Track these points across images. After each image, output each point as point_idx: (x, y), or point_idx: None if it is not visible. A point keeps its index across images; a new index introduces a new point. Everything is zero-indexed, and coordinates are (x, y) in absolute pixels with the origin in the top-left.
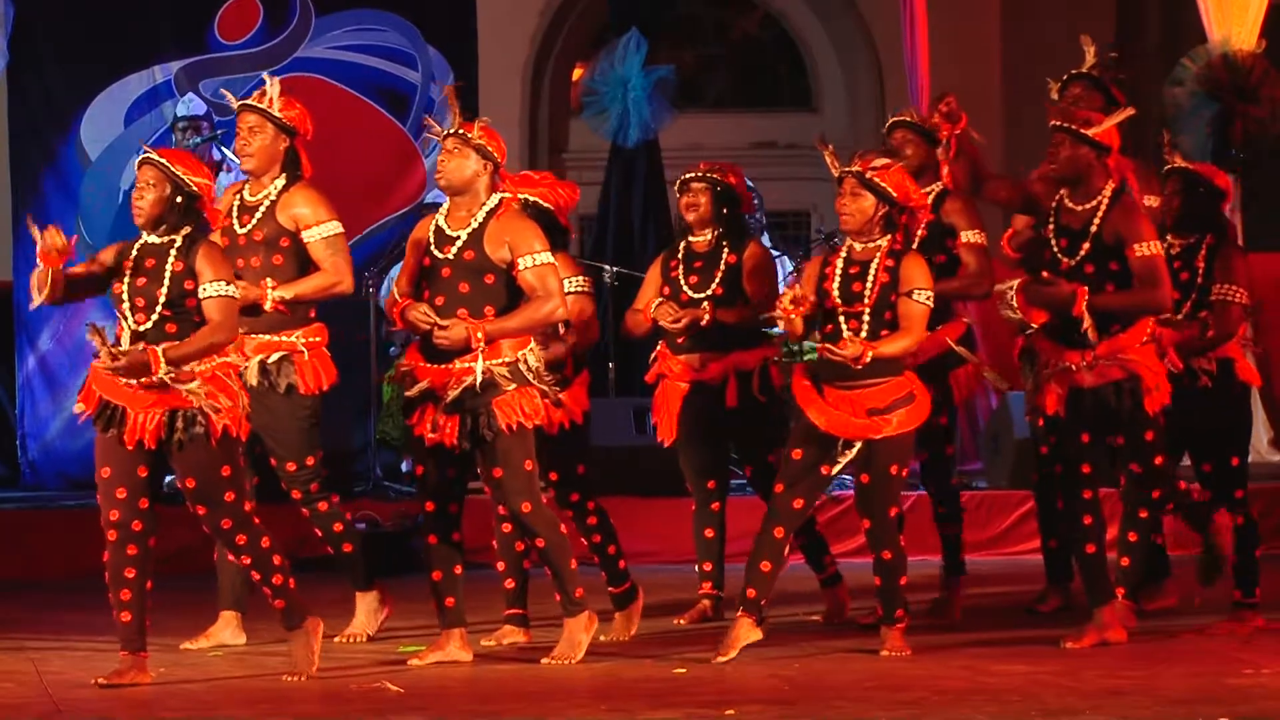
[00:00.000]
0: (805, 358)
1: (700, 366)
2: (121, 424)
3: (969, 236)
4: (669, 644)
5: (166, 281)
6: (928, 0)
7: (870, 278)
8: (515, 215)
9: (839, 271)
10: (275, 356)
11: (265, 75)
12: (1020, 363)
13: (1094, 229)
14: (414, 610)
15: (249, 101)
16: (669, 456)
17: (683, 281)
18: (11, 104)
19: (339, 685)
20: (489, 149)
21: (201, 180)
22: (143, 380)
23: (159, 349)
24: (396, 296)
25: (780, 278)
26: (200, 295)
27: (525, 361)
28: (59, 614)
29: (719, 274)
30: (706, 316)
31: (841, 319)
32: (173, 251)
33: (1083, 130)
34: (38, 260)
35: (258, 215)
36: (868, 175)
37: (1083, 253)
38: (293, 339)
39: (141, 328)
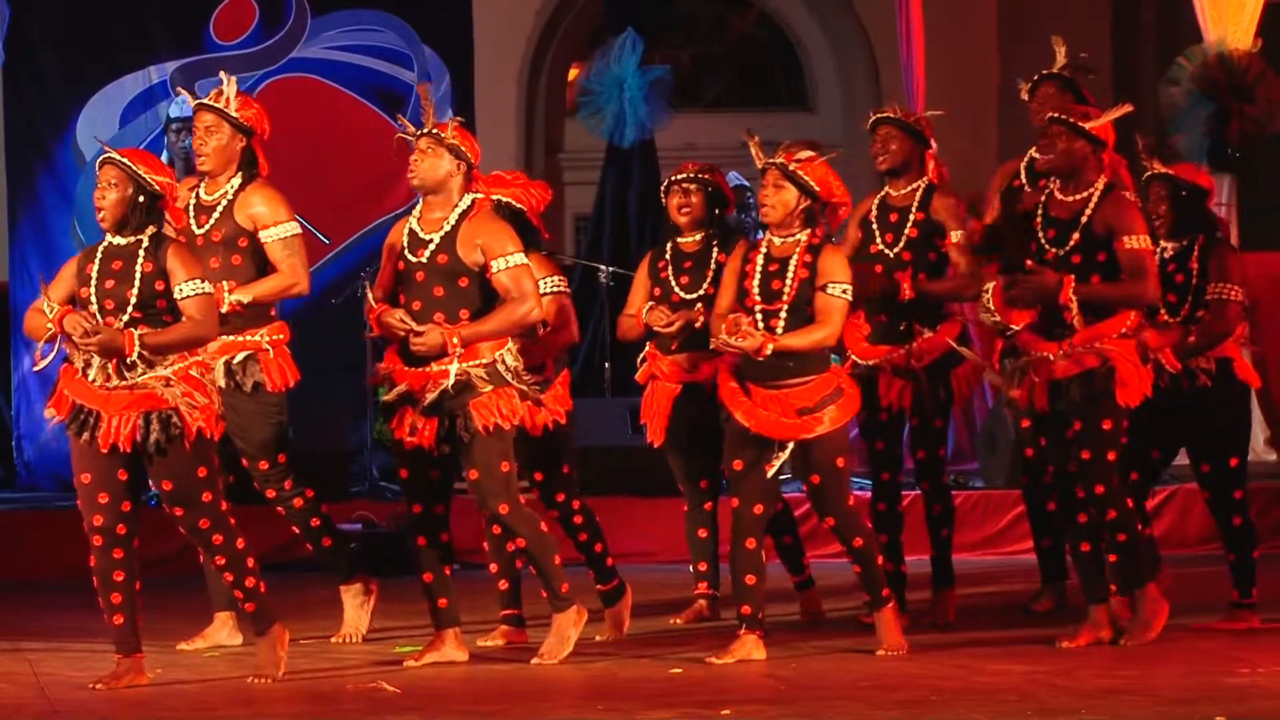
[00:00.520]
0: None
1: (691, 367)
2: (95, 428)
3: (959, 237)
4: (666, 644)
5: (136, 282)
6: (923, 0)
7: (789, 274)
8: (488, 216)
9: (759, 269)
10: (240, 356)
11: (222, 74)
12: (1000, 365)
13: (1084, 219)
14: (410, 611)
15: (205, 101)
16: (664, 456)
17: (673, 282)
18: (7, 104)
19: (336, 686)
20: (462, 149)
21: (163, 179)
22: (116, 385)
23: (135, 332)
24: (372, 302)
25: None
26: (177, 296)
27: (503, 362)
28: (55, 615)
29: (709, 274)
30: (700, 319)
31: (760, 317)
32: (140, 252)
33: (1080, 123)
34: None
35: (215, 215)
36: (791, 167)
37: (1071, 243)
38: (256, 338)
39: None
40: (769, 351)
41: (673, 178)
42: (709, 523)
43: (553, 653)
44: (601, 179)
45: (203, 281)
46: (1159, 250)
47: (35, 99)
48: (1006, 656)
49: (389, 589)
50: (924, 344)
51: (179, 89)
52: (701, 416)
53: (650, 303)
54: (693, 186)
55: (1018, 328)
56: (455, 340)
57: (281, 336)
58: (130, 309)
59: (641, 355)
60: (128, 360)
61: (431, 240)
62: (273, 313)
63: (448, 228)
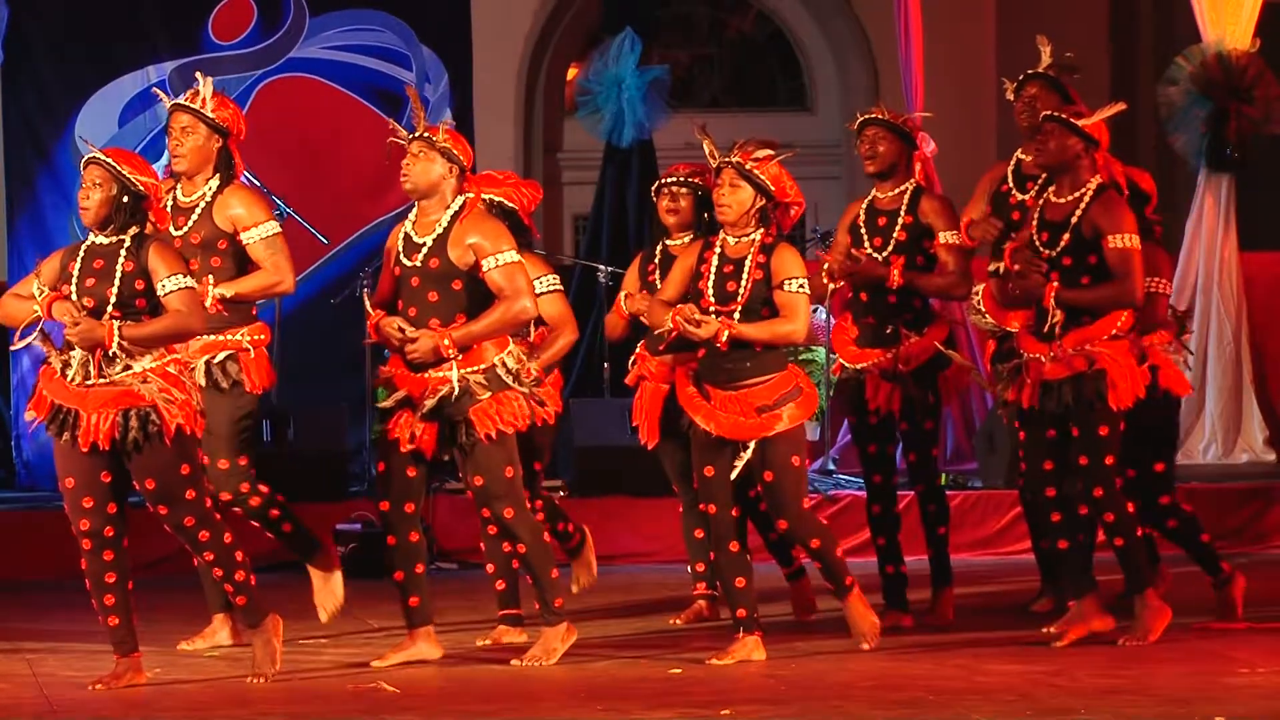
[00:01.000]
0: (800, 357)
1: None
2: (75, 428)
3: (948, 238)
4: (665, 644)
5: (117, 281)
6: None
7: (744, 275)
8: (479, 216)
9: (713, 269)
10: (221, 355)
11: (197, 74)
12: (992, 367)
13: (1074, 221)
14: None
15: (181, 101)
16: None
17: (660, 284)
18: (6, 104)
19: (335, 685)
20: (454, 152)
21: (148, 180)
22: (94, 383)
23: (116, 324)
24: (369, 310)
25: None
26: (161, 292)
27: (504, 365)
28: (54, 614)
29: None
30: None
31: (714, 317)
32: (122, 251)
33: (1073, 121)
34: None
35: (194, 217)
36: (748, 166)
37: (1062, 244)
38: (237, 337)
39: None
40: (725, 338)
41: (662, 180)
42: (705, 522)
43: (535, 659)
44: (600, 179)
45: (185, 276)
46: None
47: (34, 99)
48: (1006, 656)
49: (389, 589)
50: (910, 347)
51: (157, 91)
52: None
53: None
54: (682, 190)
55: (1009, 329)
56: (447, 343)
57: (263, 338)
58: (110, 308)
59: (631, 357)
60: (107, 354)
61: (424, 244)
62: (254, 313)
63: (439, 230)
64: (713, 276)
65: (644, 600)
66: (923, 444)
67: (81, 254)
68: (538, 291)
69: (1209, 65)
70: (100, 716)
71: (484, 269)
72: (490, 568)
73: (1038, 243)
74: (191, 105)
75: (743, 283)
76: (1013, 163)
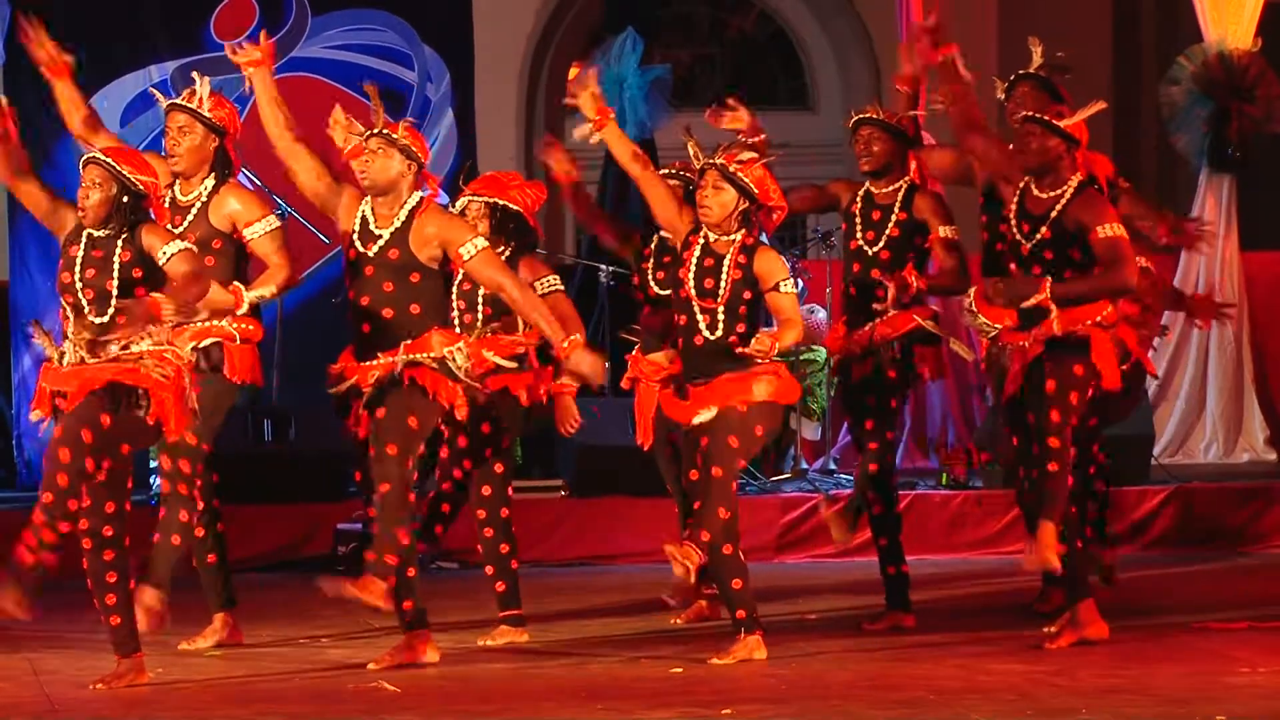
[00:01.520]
0: (801, 357)
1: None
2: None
3: (946, 232)
4: (666, 644)
5: (115, 273)
6: None
7: (724, 273)
8: (437, 211)
9: (694, 261)
10: (207, 341)
11: (195, 74)
12: (986, 369)
13: (1054, 214)
14: None
15: (178, 101)
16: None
17: (650, 275)
18: (8, 102)
19: (335, 685)
20: (413, 150)
21: (148, 179)
22: (88, 362)
23: (160, 297)
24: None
25: None
26: (162, 260)
27: (453, 358)
28: (55, 613)
29: None
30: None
31: (697, 312)
32: (119, 243)
33: (1054, 121)
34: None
35: (190, 217)
36: (731, 169)
37: (1040, 237)
38: (223, 324)
39: (97, 319)
40: (775, 353)
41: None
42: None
43: (343, 589)
44: (602, 178)
45: (179, 240)
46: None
47: (35, 98)
48: (1006, 656)
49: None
50: (888, 322)
51: (153, 91)
52: None
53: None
54: (674, 184)
55: (1001, 327)
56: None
57: (252, 327)
58: (114, 300)
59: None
60: (97, 341)
61: (382, 236)
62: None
63: (399, 223)
64: (693, 268)
65: (644, 600)
66: (883, 421)
67: (84, 240)
68: (541, 293)
69: (1211, 65)
70: (101, 716)
71: (463, 259)
72: (489, 569)
73: (1017, 234)
74: (188, 105)
75: (722, 280)
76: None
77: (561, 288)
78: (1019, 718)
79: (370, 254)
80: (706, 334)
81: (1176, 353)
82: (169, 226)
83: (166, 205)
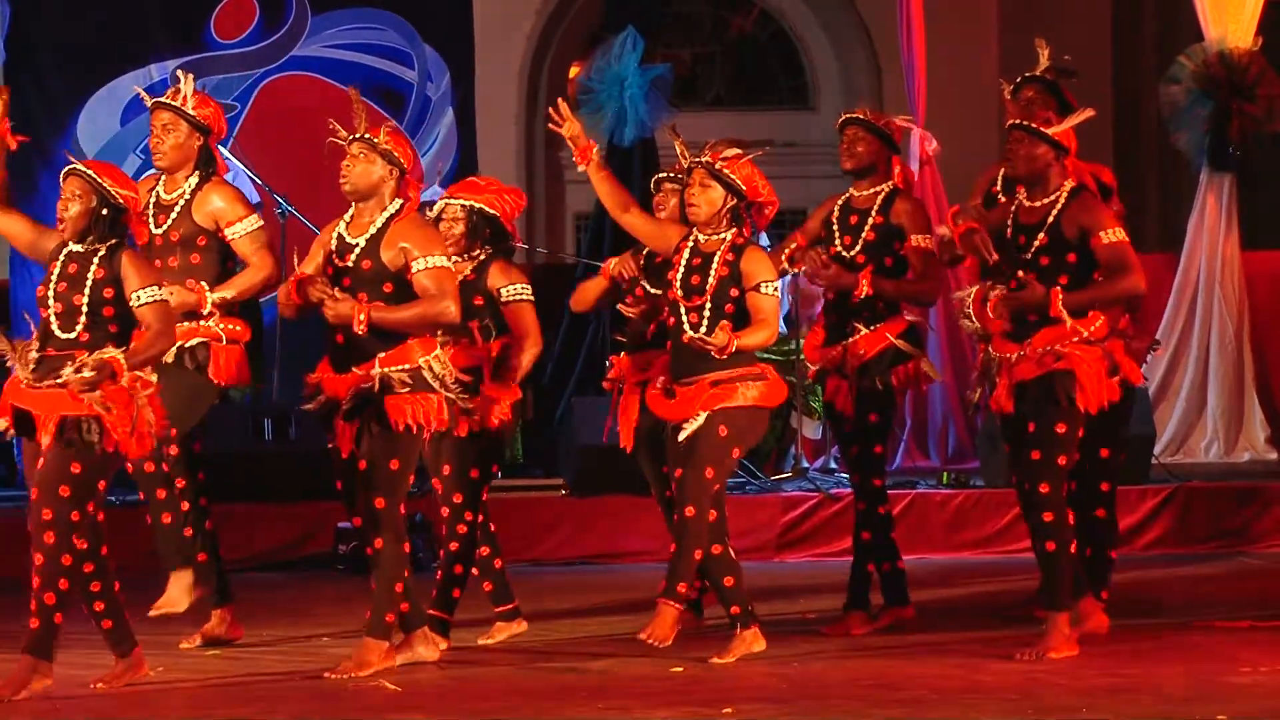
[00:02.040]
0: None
1: (644, 367)
2: (34, 429)
3: (918, 240)
4: None
5: (87, 290)
6: None
7: (711, 272)
8: (413, 221)
9: (683, 262)
10: (193, 341)
11: (179, 72)
12: (980, 370)
13: (1050, 220)
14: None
15: (162, 99)
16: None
17: (641, 276)
18: (9, 102)
19: (337, 684)
20: (395, 155)
21: (128, 193)
22: (47, 384)
23: (119, 354)
24: (296, 267)
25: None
26: (134, 303)
27: (430, 367)
28: None
29: None
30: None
31: (682, 310)
32: (95, 259)
33: (1041, 129)
34: None
35: (174, 215)
36: (717, 166)
37: (1038, 244)
38: (210, 324)
39: (62, 334)
40: (733, 349)
41: (656, 176)
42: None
43: (345, 672)
44: None
45: (159, 288)
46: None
47: (36, 98)
48: (1008, 655)
49: None
50: (860, 342)
51: (138, 90)
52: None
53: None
54: (671, 186)
55: (996, 334)
56: (361, 317)
57: (239, 328)
58: (82, 317)
59: (608, 361)
60: (46, 360)
61: (357, 245)
62: (234, 309)
63: (373, 231)
64: (682, 269)
65: (645, 599)
66: (865, 438)
67: (62, 256)
68: (504, 299)
69: (1211, 64)
70: (101, 715)
71: (413, 270)
72: (474, 571)
73: (1014, 247)
74: (172, 103)
75: (709, 277)
76: (1004, 165)
77: (527, 297)
78: (1020, 717)
79: (346, 265)
80: (691, 332)
81: (1177, 352)
82: (153, 225)
83: (151, 205)
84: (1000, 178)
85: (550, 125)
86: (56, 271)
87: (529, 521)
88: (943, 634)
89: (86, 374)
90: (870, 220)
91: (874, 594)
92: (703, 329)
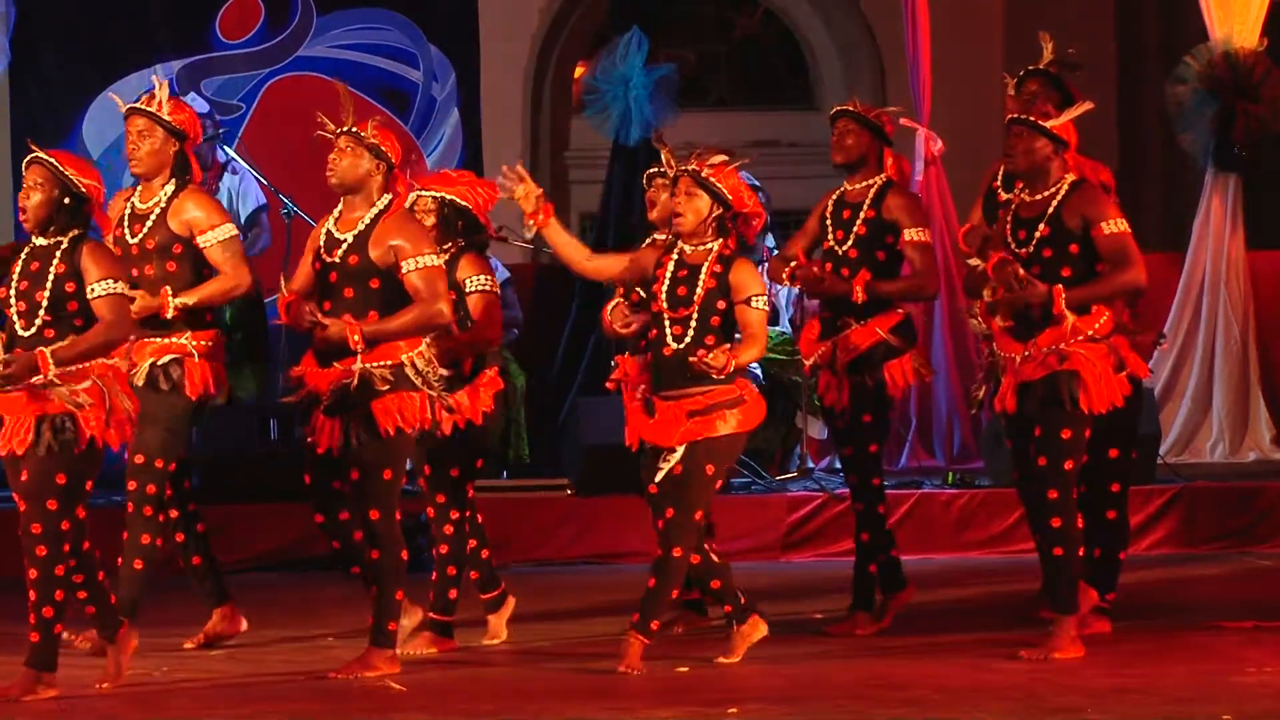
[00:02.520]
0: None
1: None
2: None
3: (913, 235)
4: (671, 643)
5: (49, 285)
6: None
7: (699, 282)
8: (403, 217)
9: (669, 274)
10: (166, 359)
11: (154, 78)
12: (985, 370)
13: (1051, 211)
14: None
15: (137, 105)
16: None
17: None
18: (13, 103)
19: (342, 684)
20: (383, 149)
21: (91, 182)
22: (31, 382)
23: (47, 350)
24: (283, 290)
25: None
26: (89, 296)
27: (413, 365)
28: None
29: None
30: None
31: (666, 323)
32: (57, 254)
33: (1040, 123)
34: None
35: (149, 223)
36: (704, 174)
37: (1039, 235)
38: (183, 340)
39: (24, 333)
40: (732, 368)
41: (648, 171)
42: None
43: (348, 673)
44: (607, 177)
45: (115, 281)
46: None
47: (40, 99)
48: (1012, 655)
49: None
50: (850, 336)
51: (112, 96)
52: None
53: (617, 300)
54: (662, 183)
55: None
56: (356, 337)
57: (211, 343)
58: (42, 312)
59: (613, 360)
60: (45, 380)
61: (345, 240)
62: (208, 318)
63: (362, 227)
64: (668, 281)
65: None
66: (859, 438)
67: (24, 255)
68: (467, 290)
69: (1216, 64)
70: (106, 715)
71: (403, 270)
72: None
73: (1012, 243)
74: (147, 109)
75: (696, 289)
76: (1004, 162)
77: (489, 289)
78: (1025, 717)
79: (333, 261)
80: (674, 344)
81: (1182, 352)
82: (128, 234)
83: (127, 214)
84: (1000, 174)
85: (499, 188)
86: (18, 270)
87: (534, 521)
88: (948, 634)
89: (6, 371)
90: (862, 214)
91: (879, 593)
92: (687, 339)
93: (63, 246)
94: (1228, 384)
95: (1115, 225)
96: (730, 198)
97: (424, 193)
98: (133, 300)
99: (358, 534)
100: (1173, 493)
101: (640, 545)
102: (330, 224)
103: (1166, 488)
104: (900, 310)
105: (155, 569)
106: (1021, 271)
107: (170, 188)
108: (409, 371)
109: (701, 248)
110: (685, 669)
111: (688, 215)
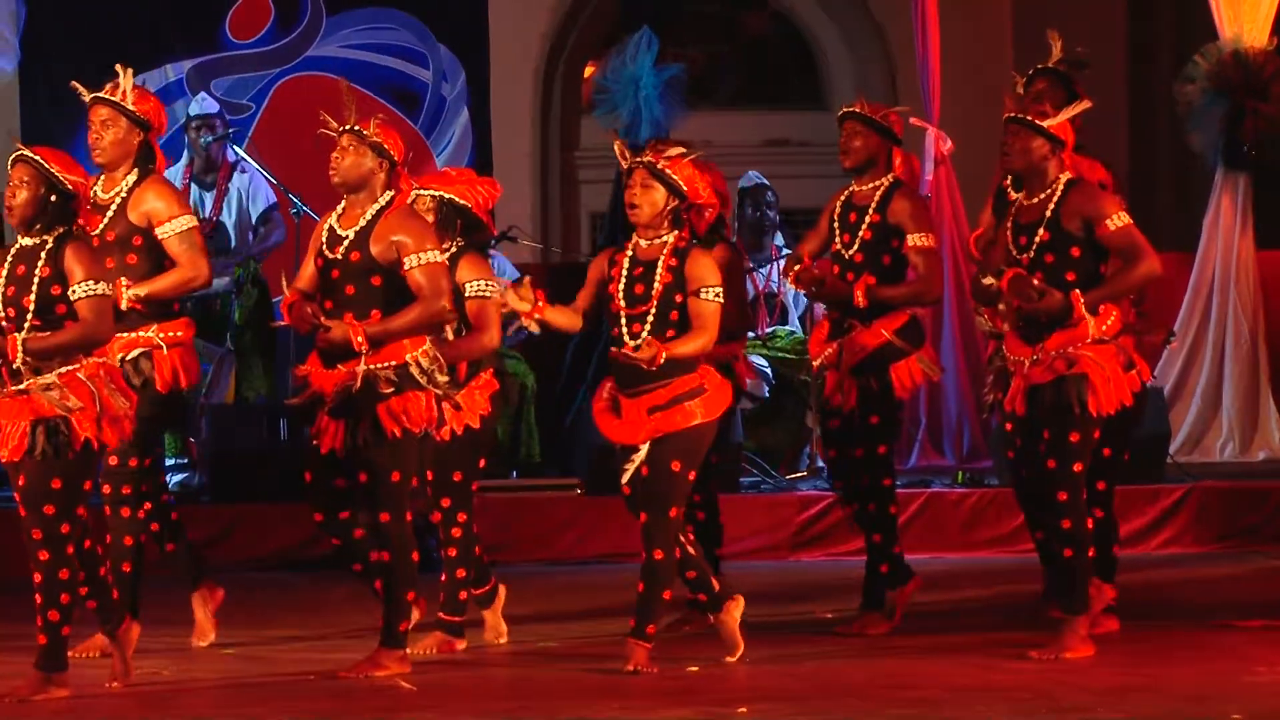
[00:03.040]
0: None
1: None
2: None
3: (917, 240)
4: (679, 643)
5: (34, 289)
6: None
7: (655, 279)
8: (405, 213)
9: (624, 273)
10: (134, 353)
11: (118, 67)
12: (989, 368)
13: (1049, 214)
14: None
15: (101, 95)
16: None
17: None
18: (22, 103)
19: (352, 683)
20: (385, 147)
21: (76, 179)
22: (5, 392)
23: (19, 337)
24: (285, 290)
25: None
26: (71, 297)
27: (417, 364)
28: None
29: None
30: None
31: (623, 321)
32: (42, 255)
33: (1036, 122)
34: None
35: (109, 214)
36: (659, 165)
37: (1039, 241)
38: (149, 334)
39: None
40: (661, 360)
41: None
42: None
43: (360, 671)
44: (616, 177)
45: (97, 283)
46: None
47: (50, 98)
48: (1021, 654)
49: None
50: (856, 338)
51: (75, 86)
52: None
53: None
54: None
55: (1004, 333)
56: (360, 338)
57: (180, 334)
58: (30, 317)
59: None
60: (12, 367)
61: (347, 237)
62: (175, 308)
63: (363, 224)
64: (623, 280)
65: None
66: (869, 439)
67: (9, 258)
68: (467, 294)
69: (1226, 63)
70: (116, 715)
71: (405, 266)
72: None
73: (1013, 249)
74: (111, 98)
75: (653, 286)
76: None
77: (488, 294)
78: (1035, 716)
79: (335, 258)
80: (633, 342)
81: (1192, 351)
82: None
83: (90, 205)
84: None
85: (504, 302)
86: (5, 274)
87: (544, 521)
88: (958, 634)
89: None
90: (868, 218)
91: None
92: (645, 336)
93: (48, 247)
94: (1238, 383)
95: (1118, 220)
96: (686, 189)
97: (422, 192)
98: (114, 300)
99: (358, 531)
100: (1182, 492)
101: (638, 545)
102: (333, 221)
103: (1176, 487)
104: (906, 312)
105: (144, 566)
106: (1037, 283)
107: (132, 178)
108: (413, 370)
109: (656, 241)
110: (695, 668)
111: (644, 207)
